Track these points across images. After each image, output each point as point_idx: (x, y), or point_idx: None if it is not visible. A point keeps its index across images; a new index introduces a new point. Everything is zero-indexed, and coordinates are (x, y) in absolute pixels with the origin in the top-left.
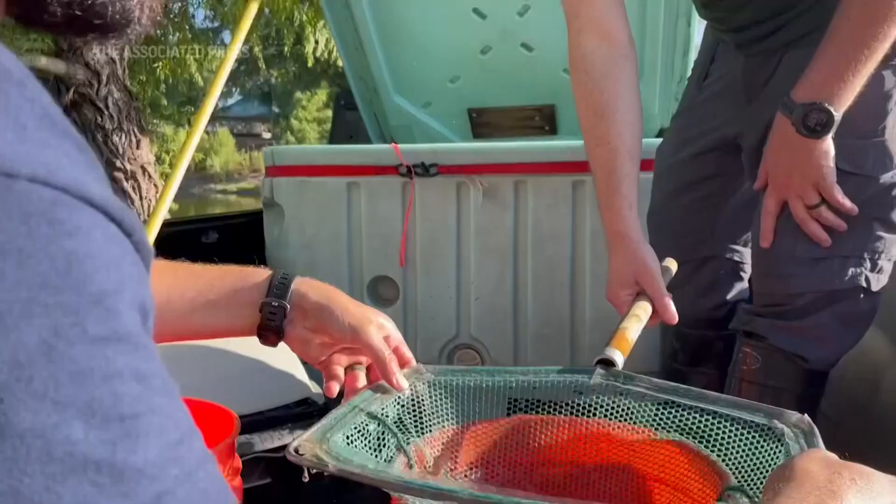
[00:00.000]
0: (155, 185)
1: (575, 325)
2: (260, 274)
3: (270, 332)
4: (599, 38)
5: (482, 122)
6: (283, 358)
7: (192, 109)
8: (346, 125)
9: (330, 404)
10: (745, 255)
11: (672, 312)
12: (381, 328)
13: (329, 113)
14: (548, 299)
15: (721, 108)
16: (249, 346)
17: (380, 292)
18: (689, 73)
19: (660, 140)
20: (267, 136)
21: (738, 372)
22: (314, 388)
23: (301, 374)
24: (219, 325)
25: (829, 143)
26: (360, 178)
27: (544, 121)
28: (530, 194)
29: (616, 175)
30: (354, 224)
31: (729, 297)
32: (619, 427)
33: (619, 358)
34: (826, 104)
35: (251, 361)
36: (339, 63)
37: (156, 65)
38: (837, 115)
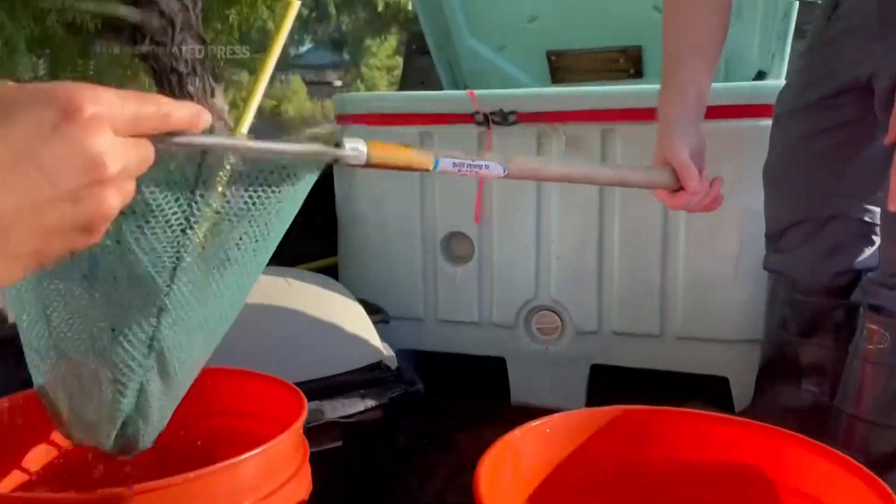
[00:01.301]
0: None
1: (666, 288)
2: None
3: None
4: None
5: (561, 66)
6: (355, 321)
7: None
8: (417, 71)
9: (402, 371)
10: (877, 215)
11: (695, 180)
12: None
13: (398, 60)
14: (636, 260)
15: (853, 44)
16: (321, 309)
17: (454, 250)
18: (794, 8)
19: (774, 83)
20: (338, 83)
21: (863, 351)
22: (386, 352)
23: (374, 338)
24: None
25: None
26: (433, 126)
27: (629, 63)
28: (619, 144)
29: (675, 64)
30: (427, 177)
31: (855, 262)
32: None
33: (351, 147)
34: None
35: (322, 325)
36: (410, 7)
37: (228, 12)
38: None
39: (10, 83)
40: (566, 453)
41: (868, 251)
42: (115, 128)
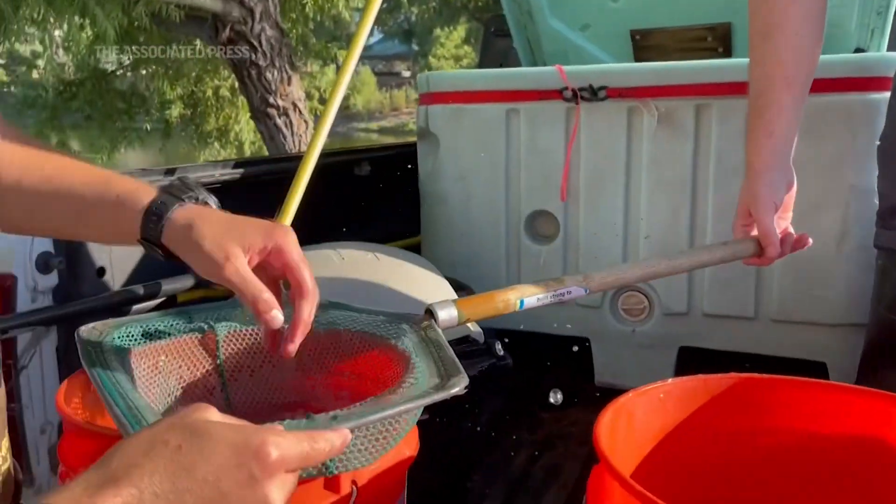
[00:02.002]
0: (305, 121)
1: (762, 269)
2: (138, 200)
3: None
4: None
5: (646, 45)
6: (443, 296)
7: (338, 46)
8: (495, 53)
9: (490, 346)
10: None
11: (775, 248)
12: (247, 250)
13: (466, 49)
14: (731, 239)
15: None
16: (410, 283)
17: (538, 228)
18: None
19: (883, 55)
20: (406, 74)
21: None
22: (473, 327)
23: None
24: (101, 239)
25: None
26: (520, 104)
27: (718, 41)
28: (714, 120)
29: (763, 100)
30: (513, 154)
31: None
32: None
33: (445, 314)
34: None
35: (411, 298)
36: None
37: (305, 1)
38: None
39: (211, 418)
40: (679, 420)
41: None
42: (288, 468)
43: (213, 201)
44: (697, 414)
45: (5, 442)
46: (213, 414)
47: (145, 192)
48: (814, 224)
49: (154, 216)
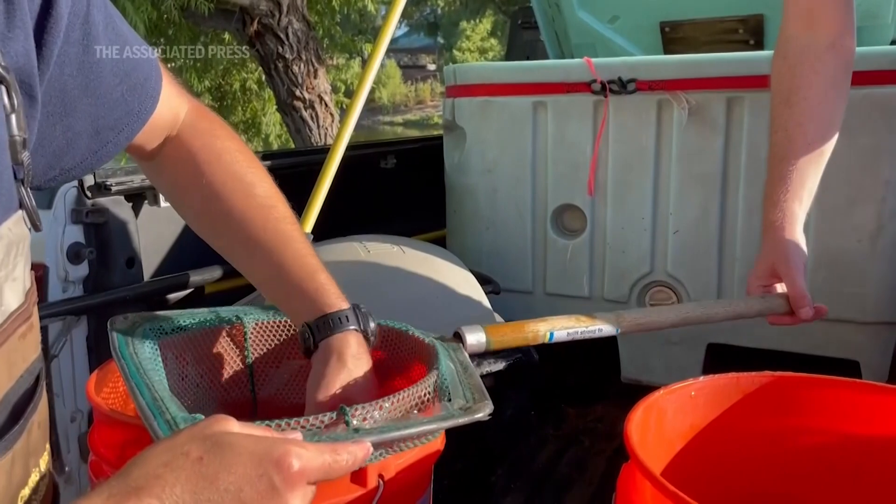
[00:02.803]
0: (331, 114)
1: None
2: (319, 307)
3: None
4: (805, 25)
5: (676, 38)
6: (469, 289)
7: (365, 39)
8: (522, 46)
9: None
10: None
11: (807, 309)
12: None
13: (492, 42)
14: (761, 235)
15: None
16: (436, 276)
17: (565, 222)
18: None
19: None
20: (432, 67)
21: None
22: (499, 320)
23: (487, 306)
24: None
25: None
26: (547, 96)
27: (749, 33)
28: (746, 113)
29: (785, 165)
30: (540, 148)
31: None
32: None
33: (473, 339)
34: None
35: (437, 291)
36: None
37: None
38: None
39: (231, 430)
40: (711, 418)
41: None
42: (309, 479)
43: (372, 329)
44: (729, 412)
45: (46, 456)
46: (232, 425)
47: (330, 301)
48: (848, 220)
49: (322, 328)
